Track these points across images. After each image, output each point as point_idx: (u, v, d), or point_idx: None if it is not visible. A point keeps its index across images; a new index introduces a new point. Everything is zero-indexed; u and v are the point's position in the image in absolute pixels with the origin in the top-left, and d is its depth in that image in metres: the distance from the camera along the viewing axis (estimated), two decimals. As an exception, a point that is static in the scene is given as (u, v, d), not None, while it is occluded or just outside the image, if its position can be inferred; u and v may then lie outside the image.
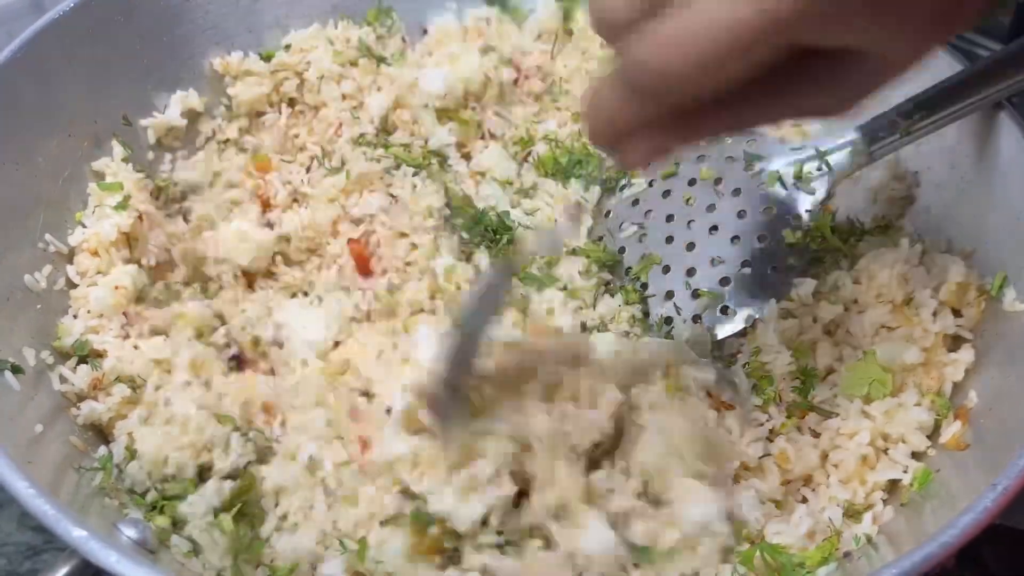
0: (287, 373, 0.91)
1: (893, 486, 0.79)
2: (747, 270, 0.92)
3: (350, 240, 0.96)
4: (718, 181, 0.96)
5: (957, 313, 0.85)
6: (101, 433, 0.82)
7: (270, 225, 1.00)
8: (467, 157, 1.05)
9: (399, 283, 0.95)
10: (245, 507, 0.76)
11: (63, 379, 0.81)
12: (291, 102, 1.07)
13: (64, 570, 0.65)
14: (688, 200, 0.97)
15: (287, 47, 1.08)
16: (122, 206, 0.92)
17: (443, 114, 1.04)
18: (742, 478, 0.81)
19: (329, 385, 0.87)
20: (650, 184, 1.00)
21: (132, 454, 0.78)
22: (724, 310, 0.92)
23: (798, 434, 0.83)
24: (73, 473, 0.75)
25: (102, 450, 0.79)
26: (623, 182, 1.01)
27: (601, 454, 0.77)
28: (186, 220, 0.99)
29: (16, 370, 0.77)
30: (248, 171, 1.03)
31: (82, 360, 0.84)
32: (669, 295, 0.94)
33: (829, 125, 1.01)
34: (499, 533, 0.73)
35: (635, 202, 0.99)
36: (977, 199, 0.88)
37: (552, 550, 0.72)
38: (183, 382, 0.83)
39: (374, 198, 0.98)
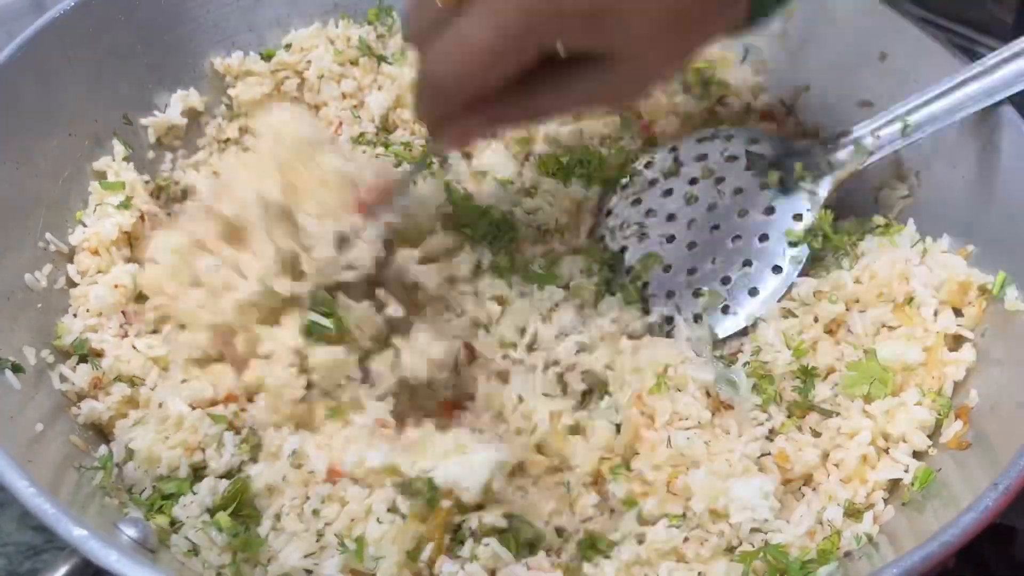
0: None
1: (894, 485, 0.79)
2: (748, 269, 0.92)
3: None
4: (719, 180, 0.96)
5: (958, 312, 0.85)
6: (101, 432, 0.81)
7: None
8: (468, 156, 1.05)
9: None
10: (240, 506, 0.76)
11: (63, 378, 0.81)
12: (292, 101, 1.07)
13: (64, 569, 0.65)
14: (689, 199, 0.97)
15: (288, 46, 1.08)
16: (124, 205, 0.92)
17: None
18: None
19: None
20: (652, 183, 1.00)
21: (131, 453, 0.78)
22: (725, 309, 0.92)
23: (798, 433, 0.83)
24: (73, 472, 0.75)
25: (102, 449, 0.79)
26: (624, 181, 1.01)
27: None
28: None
29: (16, 369, 0.77)
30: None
31: (82, 359, 0.84)
32: (670, 294, 0.94)
33: (831, 125, 1.01)
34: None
35: (636, 201, 0.99)
36: (978, 198, 0.88)
37: None
38: (178, 381, 0.83)
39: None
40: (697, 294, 0.92)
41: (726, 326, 0.91)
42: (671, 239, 0.96)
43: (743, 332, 0.91)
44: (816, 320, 0.88)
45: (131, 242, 0.92)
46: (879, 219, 0.95)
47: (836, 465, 0.80)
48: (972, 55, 0.90)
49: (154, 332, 0.87)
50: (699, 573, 0.74)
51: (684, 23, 0.71)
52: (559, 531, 0.77)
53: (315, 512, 0.75)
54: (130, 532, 0.69)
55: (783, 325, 0.88)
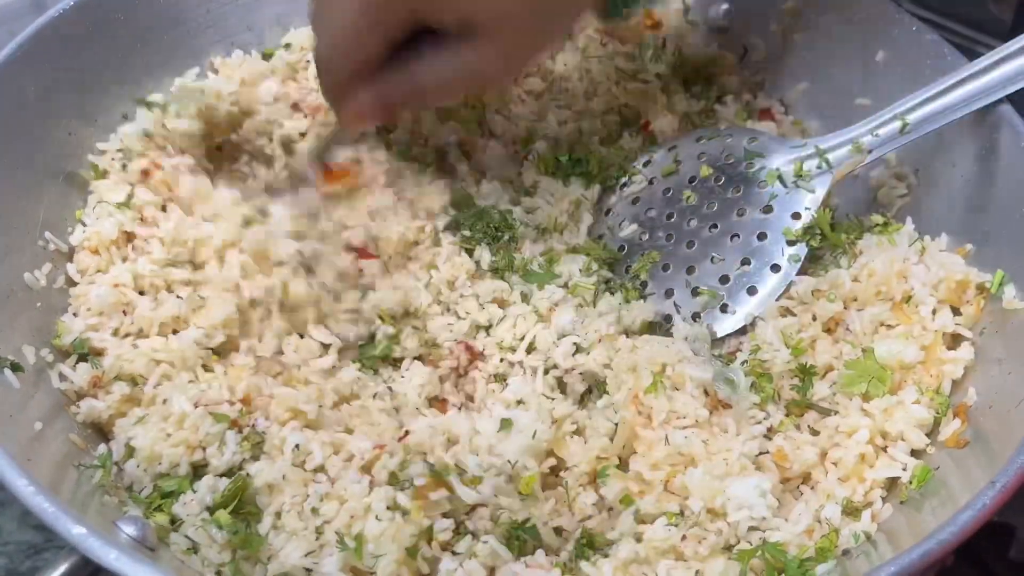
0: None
1: (892, 484, 0.79)
2: (746, 268, 0.92)
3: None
4: (718, 179, 0.96)
5: (956, 311, 0.85)
6: (101, 431, 0.82)
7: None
8: (468, 156, 1.05)
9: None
10: (241, 504, 0.76)
11: (63, 377, 0.81)
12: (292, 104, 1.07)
13: (63, 567, 0.65)
14: (688, 198, 0.97)
15: (287, 45, 1.08)
16: (125, 205, 0.92)
17: (444, 113, 1.04)
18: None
19: None
20: (650, 182, 1.00)
21: (131, 452, 0.78)
22: (723, 308, 0.92)
23: (797, 432, 0.83)
24: (73, 471, 0.75)
25: (102, 448, 0.79)
26: (624, 180, 1.01)
27: None
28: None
29: (16, 368, 0.78)
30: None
31: (82, 358, 0.84)
32: (669, 293, 0.94)
33: (829, 123, 1.01)
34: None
35: (635, 200, 0.99)
36: (977, 197, 0.88)
37: None
38: (180, 379, 0.83)
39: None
40: (696, 293, 0.93)
41: (724, 325, 0.91)
42: (670, 238, 0.96)
43: (741, 331, 0.91)
44: (814, 319, 0.88)
45: (131, 241, 0.92)
46: (877, 218, 0.96)
47: (834, 463, 0.80)
48: (971, 54, 0.90)
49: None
50: (697, 571, 0.74)
51: (545, 2, 0.79)
52: (557, 530, 0.78)
53: (314, 510, 0.75)
54: (129, 530, 0.69)
55: (781, 324, 0.88)
